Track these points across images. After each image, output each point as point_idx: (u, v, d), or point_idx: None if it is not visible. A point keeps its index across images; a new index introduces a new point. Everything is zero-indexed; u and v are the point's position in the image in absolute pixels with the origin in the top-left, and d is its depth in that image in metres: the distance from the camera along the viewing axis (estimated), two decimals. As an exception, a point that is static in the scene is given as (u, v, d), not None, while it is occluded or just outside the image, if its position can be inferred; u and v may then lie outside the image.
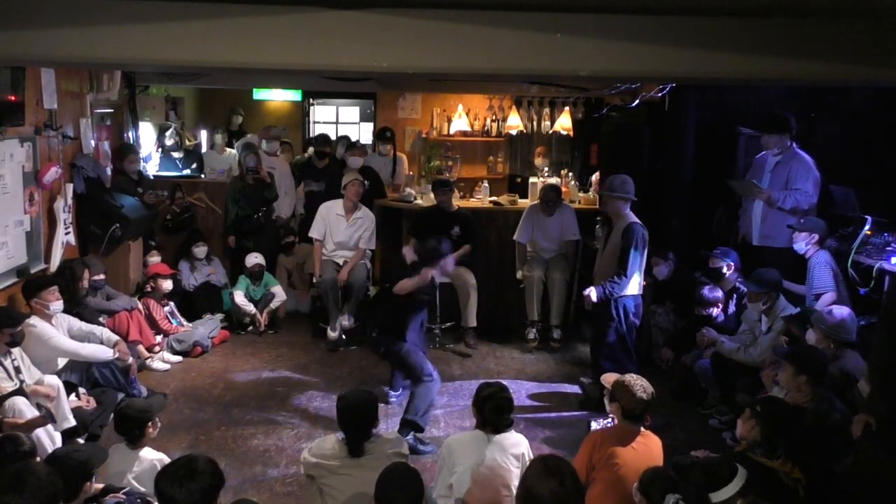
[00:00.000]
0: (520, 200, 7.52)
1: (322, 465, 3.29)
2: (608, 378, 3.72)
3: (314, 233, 6.63)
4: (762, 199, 5.47)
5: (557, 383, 5.92)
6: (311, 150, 8.43)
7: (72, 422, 4.28)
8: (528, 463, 3.42)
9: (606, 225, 5.53)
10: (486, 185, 8.07)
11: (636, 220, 5.14)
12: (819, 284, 4.79)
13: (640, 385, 3.47)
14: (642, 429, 3.54)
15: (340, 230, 6.58)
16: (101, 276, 5.79)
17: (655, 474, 3.21)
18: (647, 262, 5.86)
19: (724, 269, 5.56)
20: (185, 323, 6.46)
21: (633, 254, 5.01)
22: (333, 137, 8.20)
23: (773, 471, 3.31)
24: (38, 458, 3.25)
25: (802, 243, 4.97)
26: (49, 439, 3.95)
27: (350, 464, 3.27)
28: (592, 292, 5.14)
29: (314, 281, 6.63)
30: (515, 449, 3.48)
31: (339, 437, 3.36)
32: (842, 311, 4.32)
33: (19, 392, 4.04)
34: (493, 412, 3.47)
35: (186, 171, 8.09)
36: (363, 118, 11.14)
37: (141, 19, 3.06)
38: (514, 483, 3.38)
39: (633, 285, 5.14)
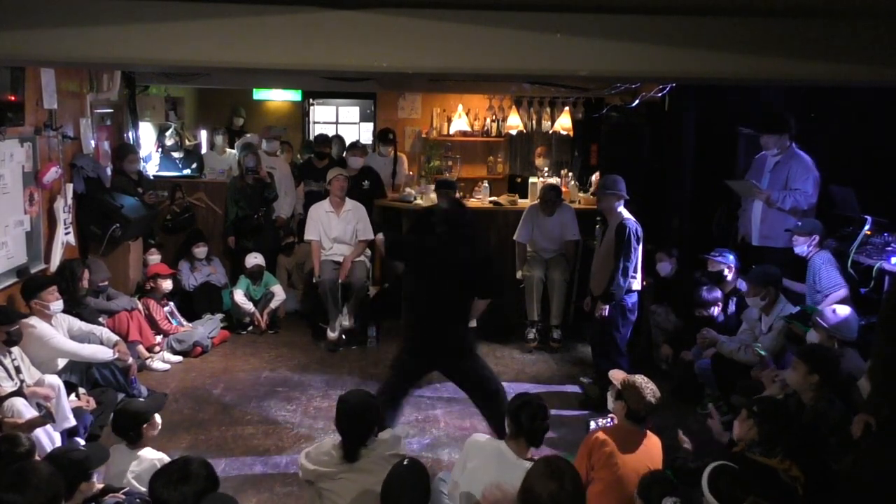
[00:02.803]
0: (520, 200, 7.51)
1: (319, 471, 3.27)
2: (616, 375, 3.70)
3: (309, 235, 6.64)
4: (761, 199, 5.48)
5: (557, 384, 5.92)
6: (305, 155, 8.46)
7: (72, 421, 4.28)
8: None
9: (603, 225, 5.58)
10: (486, 185, 8.07)
11: (629, 216, 5.17)
12: (829, 284, 4.77)
13: (650, 389, 3.46)
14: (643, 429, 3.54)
15: (333, 226, 6.60)
16: (106, 282, 5.80)
17: (654, 477, 3.22)
18: (650, 259, 5.89)
19: (725, 272, 5.56)
20: (185, 323, 6.46)
21: (626, 248, 5.03)
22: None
23: (772, 470, 3.31)
24: (37, 458, 3.25)
25: (804, 246, 4.97)
26: (48, 439, 3.95)
27: (348, 468, 3.23)
28: (604, 310, 5.16)
29: (314, 281, 6.64)
30: None
31: (336, 441, 3.31)
32: (844, 310, 4.32)
33: (18, 393, 4.04)
34: (531, 419, 3.25)
35: (186, 171, 8.09)
36: (363, 118, 11.15)
37: (141, 19, 3.06)
38: None
39: (632, 282, 5.16)
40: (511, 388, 5.57)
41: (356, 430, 3.27)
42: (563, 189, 7.17)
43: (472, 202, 7.67)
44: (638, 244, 5.13)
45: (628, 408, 3.49)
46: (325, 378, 5.86)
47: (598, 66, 3.22)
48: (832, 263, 4.81)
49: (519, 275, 6.71)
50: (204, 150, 9.07)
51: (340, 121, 11.30)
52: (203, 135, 9.92)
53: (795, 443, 3.40)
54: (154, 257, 6.78)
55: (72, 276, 5.25)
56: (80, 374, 4.79)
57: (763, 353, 4.76)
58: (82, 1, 3.07)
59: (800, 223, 5.09)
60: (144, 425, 3.61)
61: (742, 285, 5.52)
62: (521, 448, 3.28)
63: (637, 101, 6.90)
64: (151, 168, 7.88)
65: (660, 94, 6.61)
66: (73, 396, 4.51)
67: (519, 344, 6.72)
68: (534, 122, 9.12)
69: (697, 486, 3.22)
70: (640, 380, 3.52)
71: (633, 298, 5.25)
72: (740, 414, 3.60)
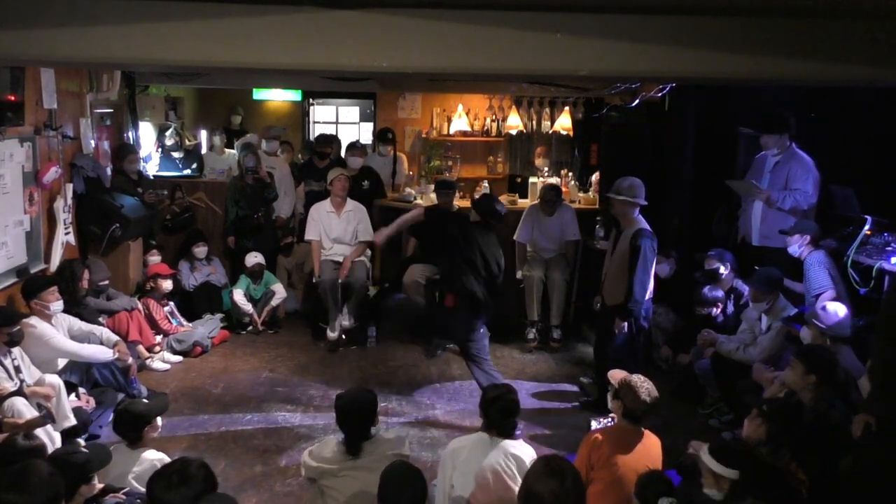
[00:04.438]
0: (520, 200, 7.52)
1: (323, 468, 3.30)
2: (615, 375, 3.70)
3: (310, 234, 6.65)
4: (761, 199, 5.48)
5: (557, 383, 5.93)
6: (305, 156, 8.45)
7: (72, 420, 4.29)
8: None
9: (614, 228, 5.44)
10: (486, 185, 8.07)
11: (645, 225, 5.02)
12: (817, 285, 4.79)
13: (645, 388, 3.47)
14: (642, 429, 3.54)
15: (334, 227, 6.60)
16: (106, 282, 5.80)
17: (650, 478, 3.22)
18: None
19: (721, 270, 5.56)
20: (185, 323, 6.46)
21: (643, 260, 4.90)
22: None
23: (778, 471, 3.30)
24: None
25: (796, 246, 4.98)
26: (48, 439, 3.95)
27: (350, 465, 3.27)
28: (623, 326, 5.05)
29: (314, 280, 6.65)
30: (521, 453, 3.40)
31: (339, 438, 3.36)
32: (836, 307, 4.32)
33: (18, 393, 4.04)
34: (501, 414, 3.40)
35: (186, 171, 8.09)
36: (363, 118, 11.16)
37: (141, 19, 3.06)
38: (517, 488, 3.35)
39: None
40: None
41: (356, 425, 3.34)
42: (563, 189, 7.17)
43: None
44: (654, 255, 5.00)
45: (625, 407, 3.50)
46: (325, 378, 5.86)
47: (598, 66, 3.22)
48: (823, 264, 4.82)
49: (519, 275, 6.72)
50: (204, 150, 9.07)
51: (340, 121, 11.31)
52: (203, 135, 9.92)
53: (801, 444, 3.40)
54: (154, 258, 6.78)
55: (72, 276, 5.25)
56: (80, 374, 4.79)
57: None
58: (82, 1, 3.07)
59: (792, 225, 5.10)
60: (146, 427, 3.61)
61: (739, 284, 5.52)
62: (496, 436, 3.43)
63: (637, 101, 6.90)
64: (151, 168, 7.88)
65: (660, 94, 6.61)
66: (73, 396, 4.52)
67: (519, 344, 6.72)
68: (534, 122, 9.12)
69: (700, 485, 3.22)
70: (637, 379, 3.53)
71: (647, 304, 5.14)
72: (750, 413, 3.60)
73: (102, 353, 4.87)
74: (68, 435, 4.22)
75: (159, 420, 3.75)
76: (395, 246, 7.28)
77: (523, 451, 3.43)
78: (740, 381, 4.80)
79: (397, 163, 8.11)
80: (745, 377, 4.80)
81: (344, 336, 6.58)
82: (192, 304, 6.81)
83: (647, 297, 5.12)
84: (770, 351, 4.85)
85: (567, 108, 8.82)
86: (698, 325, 5.47)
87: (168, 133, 8.26)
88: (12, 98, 5.03)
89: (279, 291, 7.01)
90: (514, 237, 6.77)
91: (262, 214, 7.26)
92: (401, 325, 6.87)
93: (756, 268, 5.20)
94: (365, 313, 6.77)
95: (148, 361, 5.88)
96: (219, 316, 6.78)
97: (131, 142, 7.26)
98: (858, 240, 4.82)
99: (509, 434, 3.43)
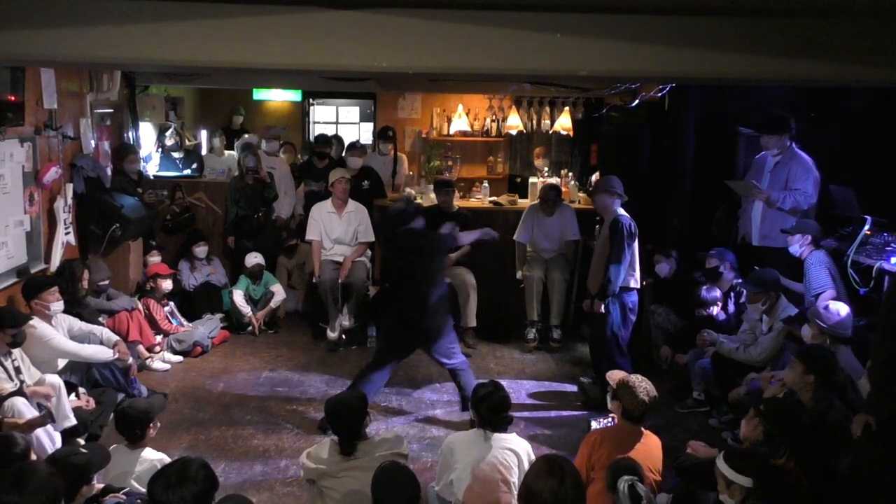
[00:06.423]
0: (520, 200, 7.52)
1: (321, 469, 3.31)
2: (614, 375, 3.72)
3: (310, 235, 6.65)
4: (761, 199, 5.48)
5: (557, 383, 5.93)
6: (304, 156, 8.45)
7: (73, 420, 4.28)
8: (530, 462, 3.44)
9: (599, 224, 5.63)
10: (486, 185, 8.07)
11: (623, 213, 5.20)
12: (817, 284, 4.80)
13: (643, 388, 3.47)
14: (642, 429, 3.54)
15: (334, 227, 6.61)
16: (106, 281, 5.80)
17: (618, 464, 3.24)
18: (649, 260, 5.89)
19: (721, 269, 5.57)
20: (185, 323, 6.45)
21: (619, 244, 5.05)
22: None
23: (776, 471, 3.30)
24: (34, 458, 3.25)
25: (797, 245, 4.99)
26: (49, 439, 3.95)
27: (348, 465, 3.28)
28: (601, 306, 5.18)
29: (314, 281, 6.65)
30: (515, 446, 3.49)
31: (336, 439, 3.38)
32: (838, 307, 4.32)
33: (19, 392, 4.04)
34: (491, 412, 3.49)
35: (186, 171, 8.08)
36: (363, 118, 11.15)
37: (141, 19, 3.06)
38: (514, 479, 3.40)
39: (629, 279, 5.16)
40: (511, 388, 5.59)
41: (346, 425, 3.37)
42: (563, 189, 7.17)
43: (472, 202, 7.68)
44: (632, 240, 5.13)
45: (624, 407, 3.51)
46: (325, 378, 5.86)
47: (598, 66, 3.23)
48: (823, 264, 4.82)
49: (519, 275, 6.72)
50: (203, 151, 9.06)
51: (340, 121, 11.30)
52: (203, 135, 9.91)
53: (798, 443, 3.40)
54: (154, 258, 6.78)
55: (72, 277, 5.25)
56: (80, 375, 4.79)
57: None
58: (82, 1, 3.07)
59: (793, 224, 5.10)
60: (149, 425, 3.61)
61: (740, 284, 5.52)
62: (490, 432, 3.51)
63: (637, 101, 6.90)
64: (151, 168, 7.87)
65: (660, 94, 6.61)
66: (73, 396, 4.51)
67: (519, 344, 6.72)
68: (534, 122, 9.13)
69: (699, 484, 3.22)
70: (635, 379, 3.54)
71: (633, 298, 5.24)
72: (748, 413, 3.60)
73: (102, 353, 4.87)
74: (68, 435, 4.22)
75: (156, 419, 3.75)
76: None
77: (517, 445, 3.50)
78: (740, 380, 4.81)
79: (397, 163, 8.10)
80: (744, 377, 4.80)
81: (344, 336, 6.59)
82: (192, 304, 6.81)
83: (633, 288, 5.20)
84: (771, 351, 4.85)
85: (567, 108, 8.83)
86: (697, 324, 5.47)
87: (168, 133, 8.25)
88: (12, 98, 5.03)
89: (278, 292, 7.00)
90: (514, 237, 6.77)
91: (262, 214, 7.26)
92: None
93: (756, 268, 5.21)
94: (365, 313, 6.77)
95: (148, 361, 5.88)
96: (219, 316, 6.78)
97: (131, 142, 7.25)
98: (858, 240, 4.82)
99: (503, 429, 3.51)
